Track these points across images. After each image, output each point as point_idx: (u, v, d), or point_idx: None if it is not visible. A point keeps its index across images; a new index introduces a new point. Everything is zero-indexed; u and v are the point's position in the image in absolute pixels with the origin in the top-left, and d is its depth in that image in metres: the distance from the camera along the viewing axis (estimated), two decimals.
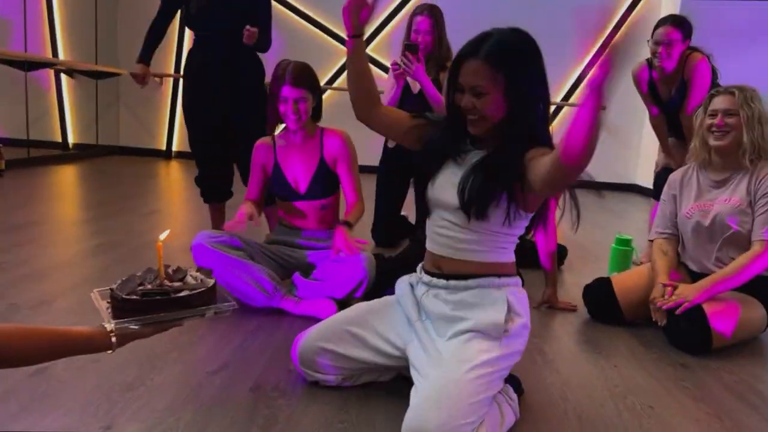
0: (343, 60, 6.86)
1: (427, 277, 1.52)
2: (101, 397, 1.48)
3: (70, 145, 6.74)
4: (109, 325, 1.01)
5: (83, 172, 5.72)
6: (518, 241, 1.53)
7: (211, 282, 1.07)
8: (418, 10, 3.02)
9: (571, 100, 6.72)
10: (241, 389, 1.57)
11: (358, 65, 1.48)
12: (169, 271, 1.08)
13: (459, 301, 1.44)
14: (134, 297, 1.01)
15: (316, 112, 2.29)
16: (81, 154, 6.62)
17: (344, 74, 6.79)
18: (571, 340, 2.10)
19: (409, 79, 2.92)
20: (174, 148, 7.02)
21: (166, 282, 1.05)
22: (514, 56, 1.35)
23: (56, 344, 0.98)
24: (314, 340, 1.59)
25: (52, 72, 6.44)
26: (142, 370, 1.64)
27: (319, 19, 6.85)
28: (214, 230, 2.23)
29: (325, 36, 6.87)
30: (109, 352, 1.02)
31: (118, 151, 7.07)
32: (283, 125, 2.31)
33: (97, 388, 1.53)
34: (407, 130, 1.55)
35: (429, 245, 1.54)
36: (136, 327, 1.02)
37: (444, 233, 1.48)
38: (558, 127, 6.75)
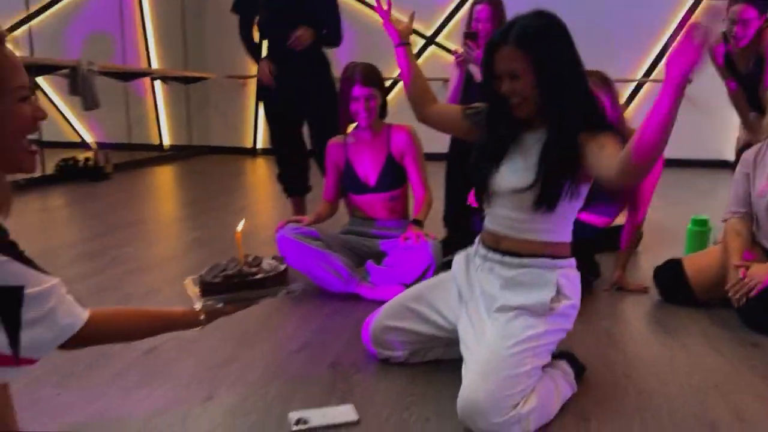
0: (414, 51, 6.96)
1: (483, 251, 1.60)
2: (203, 372, 1.70)
3: (165, 146, 7.27)
4: (198, 305, 1.20)
5: (179, 171, 6.18)
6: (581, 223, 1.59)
7: (282, 267, 1.25)
8: (478, 0, 3.10)
9: (653, 76, 6.48)
10: (321, 366, 1.74)
11: (409, 69, 1.60)
12: (248, 258, 1.26)
13: (511, 278, 1.52)
14: (217, 280, 1.20)
15: (382, 110, 2.44)
16: (176, 154, 7.13)
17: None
18: (639, 321, 2.13)
19: (471, 67, 3.00)
20: (259, 145, 7.40)
21: (245, 267, 1.23)
22: (540, 36, 1.43)
23: (155, 322, 1.18)
24: (381, 319, 1.74)
25: (148, 80, 6.96)
26: (236, 349, 1.85)
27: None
28: (296, 223, 2.42)
29: None
30: (200, 328, 1.21)
31: (209, 150, 7.53)
32: (355, 124, 2.47)
33: (200, 365, 1.75)
34: (461, 124, 1.66)
35: (488, 223, 1.61)
36: (220, 305, 1.20)
37: (506, 214, 1.56)
38: (637, 109, 6.55)
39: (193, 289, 1.23)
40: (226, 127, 7.53)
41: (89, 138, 6.83)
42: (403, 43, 1.56)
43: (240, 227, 1.27)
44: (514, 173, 1.53)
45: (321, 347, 1.88)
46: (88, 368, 1.71)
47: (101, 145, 6.20)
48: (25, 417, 1.36)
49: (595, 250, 2.55)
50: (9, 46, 0.98)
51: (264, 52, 3.39)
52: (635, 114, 6.76)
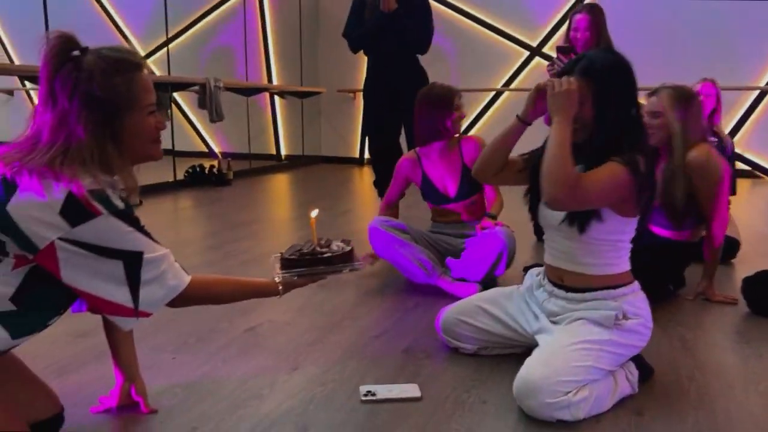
0: (519, 62, 6.99)
1: (549, 286, 1.71)
2: (292, 349, 1.94)
3: (283, 157, 7.81)
4: (277, 277, 1.43)
5: (292, 179, 6.65)
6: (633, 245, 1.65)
7: (348, 248, 1.46)
8: (577, 9, 3.16)
9: None
10: (395, 350, 1.92)
11: (509, 144, 1.71)
12: (321, 241, 1.48)
13: (577, 309, 1.62)
14: (293, 257, 1.43)
15: None
16: (291, 163, 7.65)
17: (521, 76, 6.91)
18: (718, 330, 2.11)
19: None
20: (366, 155, 7.76)
21: (317, 248, 1.45)
22: (602, 69, 1.54)
23: (243, 289, 1.44)
24: (454, 313, 1.89)
25: (267, 95, 7.54)
26: (323, 332, 2.08)
27: (491, 22, 7.07)
28: (387, 216, 2.65)
29: (499, 38, 7.06)
30: (278, 297, 1.45)
31: (321, 160, 8.00)
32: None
33: (289, 343, 1.99)
34: (521, 175, 1.74)
35: (547, 259, 1.73)
36: (294, 277, 1.43)
37: (559, 248, 1.67)
38: (761, 116, 6.14)
39: (274, 265, 1.47)
40: (336, 138, 7.96)
41: (216, 148, 7.52)
42: (525, 122, 1.67)
43: (314, 214, 1.49)
44: None
45: (398, 335, 2.05)
46: (199, 341, 2.00)
47: (225, 155, 6.82)
48: (146, 374, 1.66)
49: (684, 263, 2.51)
50: (145, 70, 1.28)
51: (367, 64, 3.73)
52: (759, 123, 6.34)
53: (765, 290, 2.20)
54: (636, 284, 1.66)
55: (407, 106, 3.51)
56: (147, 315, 1.26)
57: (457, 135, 2.66)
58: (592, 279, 1.62)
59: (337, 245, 1.48)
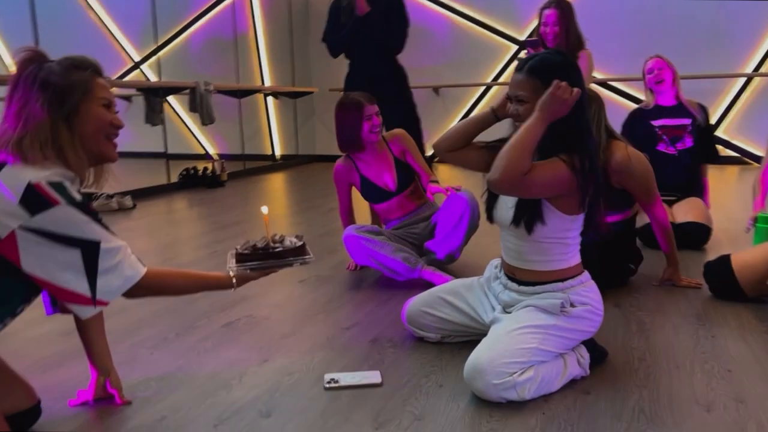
0: (508, 56, 7.05)
1: (504, 279, 1.80)
2: (264, 342, 2.03)
3: (278, 157, 7.90)
4: (231, 271, 1.53)
5: (285, 179, 6.74)
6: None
7: (300, 243, 1.55)
8: (546, 4, 3.23)
9: (762, 69, 6.12)
10: (363, 341, 2.01)
11: (475, 131, 1.80)
12: (275, 236, 1.57)
13: (528, 298, 1.71)
14: (247, 252, 1.52)
15: None
16: (285, 163, 7.74)
17: (509, 69, 6.99)
18: (677, 313, 2.18)
19: None
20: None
21: (271, 243, 1.54)
22: (549, 69, 1.61)
23: (197, 282, 1.53)
24: (418, 305, 1.97)
25: (261, 96, 7.63)
26: (296, 325, 2.17)
27: (479, 17, 7.14)
28: (360, 224, 2.74)
29: (488, 33, 7.14)
30: (232, 290, 1.53)
31: (316, 159, 8.09)
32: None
33: (263, 336, 2.08)
34: (481, 156, 1.80)
35: (503, 255, 1.81)
36: (248, 271, 1.52)
37: (511, 246, 1.75)
38: (747, 104, 6.19)
39: (230, 260, 1.56)
40: (330, 137, 8.02)
41: (211, 150, 7.62)
42: (498, 117, 1.76)
43: (265, 211, 1.58)
44: (505, 204, 1.72)
45: (367, 326, 2.14)
46: (177, 336, 2.10)
47: (221, 156, 6.92)
48: (124, 369, 1.76)
49: (632, 239, 2.61)
50: (102, 76, 1.39)
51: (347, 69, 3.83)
52: (746, 110, 6.39)
53: (725, 274, 2.27)
54: (585, 275, 1.73)
55: (385, 104, 3.66)
56: (104, 304, 1.34)
57: (383, 136, 2.78)
58: (542, 274, 1.70)
59: (290, 240, 1.57)
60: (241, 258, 1.53)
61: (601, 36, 6.28)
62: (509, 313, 1.74)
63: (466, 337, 1.93)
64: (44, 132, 1.30)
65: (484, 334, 1.84)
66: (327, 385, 1.68)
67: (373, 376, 1.72)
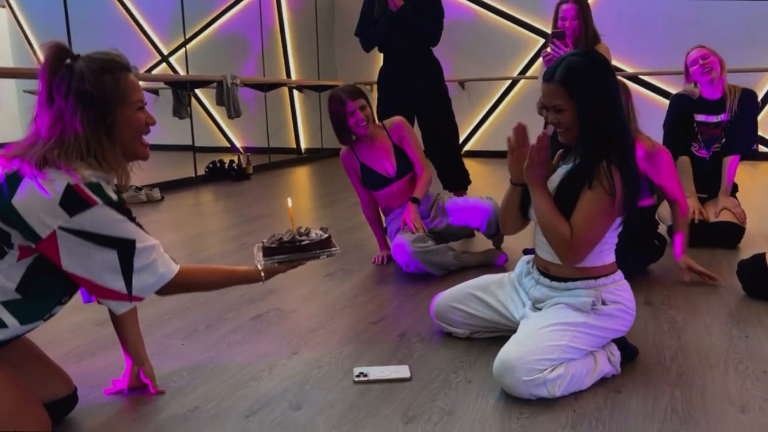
0: (534, 49, 6.98)
1: (536, 274, 1.79)
2: (293, 335, 2.04)
3: (303, 150, 7.93)
4: (259, 264, 1.54)
5: (310, 172, 6.77)
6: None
7: (326, 236, 1.56)
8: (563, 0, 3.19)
9: None
10: (391, 335, 2.02)
11: (515, 205, 1.79)
12: (300, 229, 1.58)
13: (560, 294, 1.70)
14: (274, 245, 1.54)
15: (373, 116, 2.77)
16: (311, 157, 7.77)
17: (537, 63, 6.92)
18: (709, 312, 2.15)
19: None
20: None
21: (296, 236, 1.55)
22: (581, 74, 1.59)
23: (227, 277, 1.55)
24: (447, 300, 1.97)
25: (286, 90, 7.67)
26: (324, 319, 2.19)
27: (506, 11, 7.07)
28: (404, 233, 2.68)
29: (515, 26, 7.08)
30: (261, 282, 1.56)
31: (340, 153, 8.10)
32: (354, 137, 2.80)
33: (292, 329, 2.10)
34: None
35: (536, 250, 1.80)
36: (275, 264, 1.54)
37: (545, 242, 1.72)
38: None
39: (257, 253, 1.58)
40: None
41: (237, 143, 7.68)
42: (516, 184, 1.76)
43: (290, 204, 1.60)
44: None
45: (395, 321, 2.15)
46: (207, 328, 2.13)
47: (246, 149, 6.98)
48: (156, 359, 1.79)
49: (655, 222, 2.73)
50: (132, 72, 1.40)
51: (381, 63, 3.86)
52: None
53: (759, 273, 2.23)
54: (618, 274, 1.72)
55: (419, 98, 3.68)
56: (140, 299, 1.37)
57: (378, 124, 2.82)
58: (574, 270, 1.69)
59: (315, 233, 1.58)
60: (268, 252, 1.55)
61: (630, 29, 6.20)
62: (539, 309, 1.74)
63: (496, 333, 1.93)
64: (84, 144, 1.31)
65: (514, 331, 1.83)
66: (356, 379, 1.69)
67: (403, 371, 1.72)
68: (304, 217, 4.18)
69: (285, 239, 1.56)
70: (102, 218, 1.29)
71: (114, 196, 1.33)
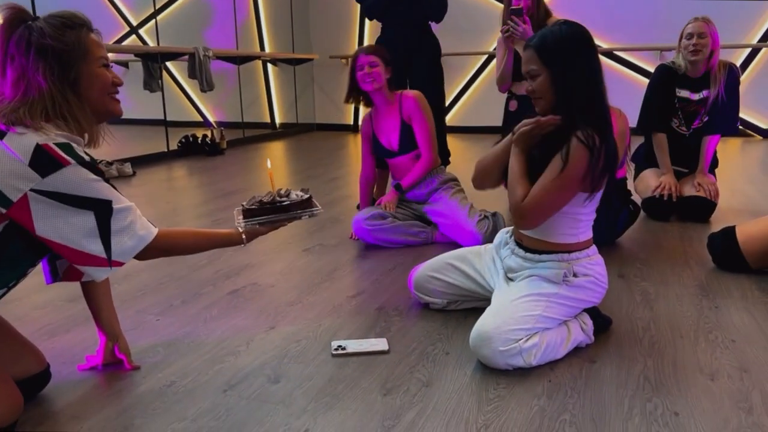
0: None
1: (512, 244, 1.80)
2: (271, 310, 2.03)
3: (277, 125, 7.84)
4: (240, 227, 1.52)
5: (285, 147, 6.69)
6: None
7: (306, 196, 1.55)
8: None
9: None
10: (370, 309, 2.02)
11: (500, 161, 1.76)
12: (280, 190, 1.57)
13: (533, 266, 1.72)
14: (254, 207, 1.52)
15: (391, 83, 2.74)
16: (285, 132, 7.68)
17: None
18: (682, 284, 2.19)
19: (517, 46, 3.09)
20: (360, 122, 7.79)
21: (276, 197, 1.53)
22: (559, 42, 1.59)
23: (208, 239, 1.51)
24: (426, 270, 1.98)
25: (260, 63, 7.53)
26: (302, 293, 2.18)
27: None
28: (367, 209, 2.74)
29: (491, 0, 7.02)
30: (243, 245, 1.54)
31: (315, 127, 8.03)
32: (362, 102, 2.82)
33: (269, 304, 2.09)
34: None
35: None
36: (257, 226, 1.52)
37: None
38: (750, 76, 6.12)
39: (237, 216, 1.55)
40: (331, 105, 7.98)
41: (210, 117, 7.55)
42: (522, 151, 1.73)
43: (269, 165, 1.58)
44: None
45: (373, 294, 2.15)
46: (183, 303, 2.10)
47: (219, 124, 6.86)
48: (131, 335, 1.77)
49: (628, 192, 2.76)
50: (93, 31, 1.37)
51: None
52: (751, 82, 6.33)
53: (729, 246, 2.28)
54: (592, 249, 1.73)
55: (417, 73, 3.68)
56: (120, 264, 1.34)
57: (397, 93, 2.79)
58: (548, 244, 1.70)
59: (296, 194, 1.57)
60: (248, 213, 1.53)
61: (605, 4, 6.20)
62: (511, 279, 1.76)
63: (472, 303, 1.94)
64: (50, 100, 1.27)
65: (490, 300, 1.85)
66: (334, 352, 1.69)
67: (381, 344, 1.73)
68: None
69: (265, 200, 1.54)
70: (76, 178, 1.24)
71: (86, 156, 1.28)
